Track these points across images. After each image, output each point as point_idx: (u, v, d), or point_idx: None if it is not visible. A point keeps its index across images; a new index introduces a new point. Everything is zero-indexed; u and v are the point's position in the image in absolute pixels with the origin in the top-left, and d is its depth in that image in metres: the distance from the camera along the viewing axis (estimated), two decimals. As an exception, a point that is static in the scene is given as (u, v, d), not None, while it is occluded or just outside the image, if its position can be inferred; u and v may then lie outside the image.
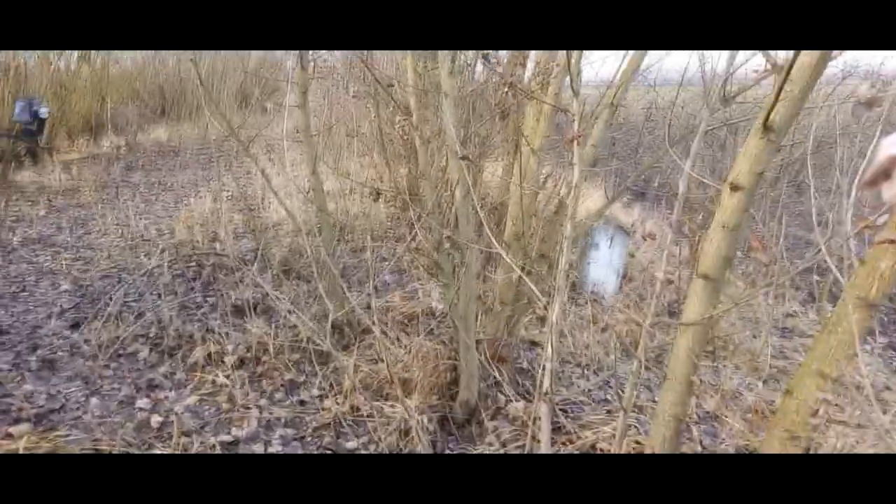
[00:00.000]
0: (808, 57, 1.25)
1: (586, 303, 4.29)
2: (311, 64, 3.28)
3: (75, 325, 3.33)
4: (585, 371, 3.41)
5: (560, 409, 2.80)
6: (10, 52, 7.38)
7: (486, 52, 2.18)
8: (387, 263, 4.70)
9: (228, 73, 11.69)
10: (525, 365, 3.27)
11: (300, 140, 3.51)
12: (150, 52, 11.70)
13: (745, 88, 2.30)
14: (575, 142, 1.46)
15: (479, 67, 4.69)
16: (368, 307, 3.74)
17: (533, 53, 3.27)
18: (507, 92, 2.56)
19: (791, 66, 1.18)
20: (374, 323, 2.13)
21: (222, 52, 10.66)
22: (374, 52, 5.20)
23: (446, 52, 1.94)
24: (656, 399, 3.18)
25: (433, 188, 2.39)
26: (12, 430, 2.35)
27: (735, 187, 1.44)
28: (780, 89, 1.23)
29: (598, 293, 4.60)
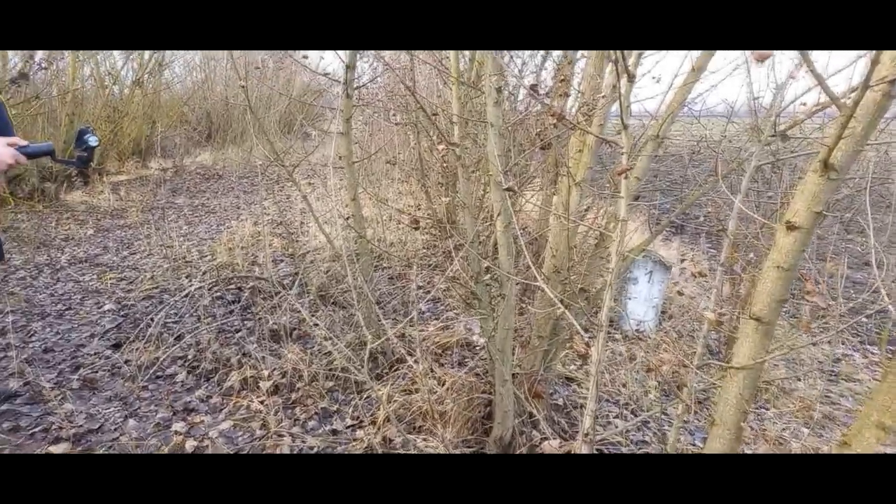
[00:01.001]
0: (873, 94, 1.20)
1: (624, 339, 4.19)
2: (356, 92, 3.33)
3: (117, 346, 3.39)
4: (623, 411, 3.31)
5: (597, 450, 2.71)
6: (70, 78, 7.73)
7: (533, 83, 2.16)
8: (422, 292, 4.69)
9: (273, 99, 12.00)
10: (561, 402, 3.19)
11: (341, 167, 3.55)
12: (200, 78, 12.13)
13: (797, 123, 2.24)
14: (623, 175, 1.42)
15: (520, 97, 4.70)
16: (403, 336, 3.72)
17: (576, 84, 3.26)
18: (554, 123, 2.54)
19: (857, 103, 1.13)
20: (413, 353, 2.10)
21: (269, 79, 10.96)
22: (418, 81, 5.26)
23: (493, 82, 1.94)
24: (696, 443, 3.05)
25: (473, 218, 2.38)
26: (52, 448, 2.38)
27: (791, 227, 1.38)
28: (844, 127, 1.18)
29: (636, 329, 4.49)
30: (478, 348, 3.66)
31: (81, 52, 8.00)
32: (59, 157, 1.91)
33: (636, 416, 3.23)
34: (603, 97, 2.29)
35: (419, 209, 6.19)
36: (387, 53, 4.84)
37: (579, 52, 3.37)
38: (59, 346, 3.38)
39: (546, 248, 2.90)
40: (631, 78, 1.49)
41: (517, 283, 2.57)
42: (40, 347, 3.34)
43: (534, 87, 2.05)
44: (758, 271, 3.03)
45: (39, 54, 7.07)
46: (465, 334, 3.74)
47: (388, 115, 6.32)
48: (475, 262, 2.42)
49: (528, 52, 3.65)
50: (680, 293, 4.82)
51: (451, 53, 2.26)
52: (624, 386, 3.49)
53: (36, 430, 2.55)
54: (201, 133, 12.23)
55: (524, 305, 3.50)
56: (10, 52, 6.94)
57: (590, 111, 2.35)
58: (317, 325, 3.49)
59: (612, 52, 1.32)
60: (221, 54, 13.02)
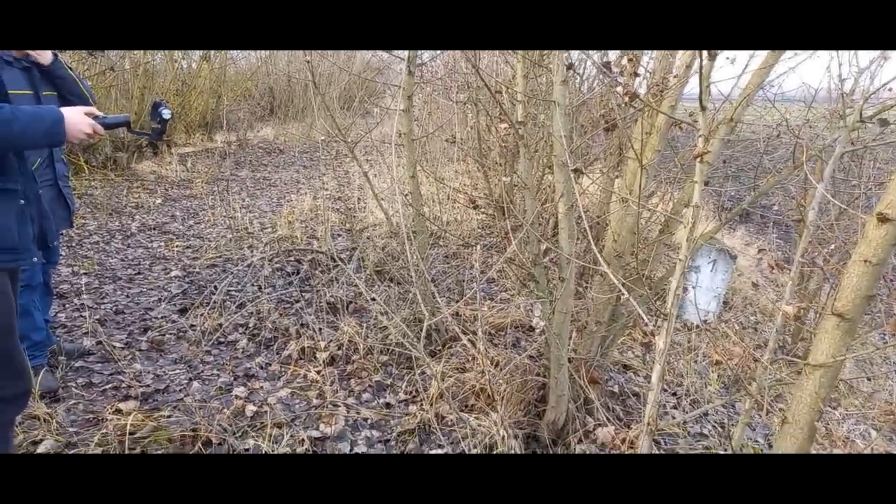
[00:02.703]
0: None
1: (685, 328, 4.07)
2: (417, 69, 3.31)
3: (182, 311, 3.52)
4: (681, 401, 3.23)
5: (653, 441, 2.65)
6: (141, 52, 8.00)
7: (606, 61, 2.09)
8: (478, 272, 4.67)
9: (335, 76, 12.12)
10: (616, 389, 3.14)
11: (401, 144, 3.56)
12: (265, 54, 12.36)
13: (886, 109, 2.09)
14: (699, 159, 1.36)
15: (583, 76, 4.57)
16: (457, 315, 3.73)
17: (645, 63, 3.14)
18: (625, 103, 2.45)
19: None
20: (467, 332, 2.09)
21: (330, 55, 11.04)
22: (480, 58, 5.19)
23: (561, 59, 1.88)
24: (758, 440, 2.95)
25: (534, 199, 2.34)
26: (121, 405, 2.51)
27: (883, 219, 1.29)
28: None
29: (697, 319, 4.35)
30: (533, 330, 3.64)
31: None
32: (134, 128, 1.97)
33: (695, 407, 3.15)
34: (675, 77, 2.20)
35: (476, 188, 6.15)
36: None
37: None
38: (129, 308, 3.55)
39: (607, 231, 2.83)
40: (712, 57, 1.41)
41: (576, 267, 2.52)
42: (112, 309, 3.50)
43: (607, 65, 1.97)
44: (839, 265, 2.88)
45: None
46: (520, 315, 3.72)
47: (448, 93, 6.28)
48: (535, 244, 2.38)
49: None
50: (755, 284, 4.64)
51: (520, 29, 2.21)
52: (682, 377, 3.41)
53: (107, 387, 2.69)
54: (264, 108, 12.49)
55: (581, 289, 3.45)
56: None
57: (660, 91, 2.26)
58: (374, 299, 3.53)
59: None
60: (285, 30, 13.20)
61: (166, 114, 1.95)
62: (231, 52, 10.77)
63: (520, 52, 2.20)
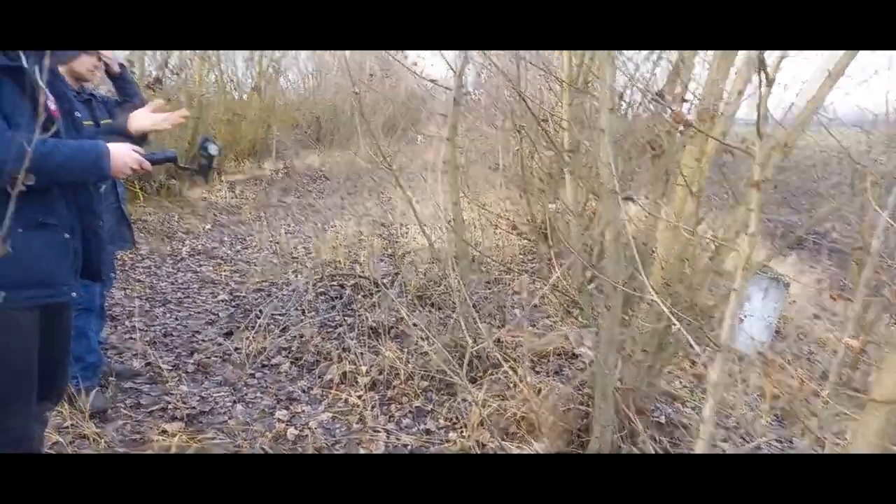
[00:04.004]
0: None
1: (737, 359, 3.93)
2: (464, 98, 3.35)
3: (228, 334, 3.59)
4: (731, 434, 3.10)
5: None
6: (196, 83, 8.33)
7: (659, 90, 2.07)
8: (518, 297, 4.63)
9: (379, 105, 12.37)
10: (663, 419, 3.03)
11: (444, 171, 3.58)
12: (312, 85, 12.73)
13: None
14: (756, 187, 1.32)
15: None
16: (498, 341, 3.69)
17: (692, 87, 3.10)
18: (678, 130, 2.41)
19: None
20: (508, 358, 2.06)
21: (376, 85, 11.31)
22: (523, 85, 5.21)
23: (608, 86, 1.87)
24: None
25: (580, 226, 2.31)
26: (167, 426, 2.55)
27: (954, 246, 1.22)
28: None
29: (748, 349, 4.20)
30: (576, 358, 3.57)
31: (208, 59, 8.61)
32: (182, 163, 1.95)
33: (746, 441, 3.02)
34: (727, 103, 2.16)
35: (518, 214, 6.13)
36: (493, 55, 4.83)
37: (697, 55, 3.21)
38: (177, 331, 3.63)
39: (654, 258, 2.77)
40: (770, 82, 1.38)
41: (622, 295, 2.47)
42: (161, 332, 3.59)
43: (660, 94, 1.95)
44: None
45: (173, 62, 7.67)
46: (564, 343, 3.65)
47: (491, 120, 6.32)
48: (580, 271, 2.35)
49: (641, 55, 3.51)
50: (817, 316, 4.47)
51: (564, 57, 2.22)
52: (732, 408, 3.27)
53: (154, 408, 2.74)
54: (311, 136, 12.79)
55: (627, 317, 3.37)
56: (147, 59, 7.58)
57: (710, 117, 2.22)
58: (415, 324, 3.53)
59: (750, 52, 1.23)
60: (333, 63, 13.60)
61: (213, 150, 1.95)
62: (281, 83, 11.14)
63: (565, 79, 2.20)
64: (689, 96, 3.06)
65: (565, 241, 4.24)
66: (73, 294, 1.67)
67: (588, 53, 3.77)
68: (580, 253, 2.29)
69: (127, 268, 4.78)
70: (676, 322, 1.61)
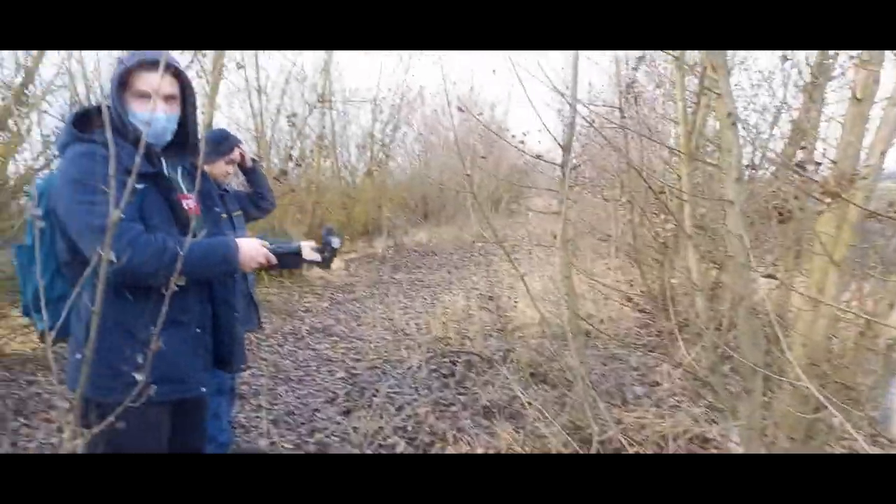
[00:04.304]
0: None
1: (892, 444, 3.45)
2: (573, 171, 3.35)
3: (346, 412, 3.65)
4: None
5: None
6: (315, 170, 8.96)
7: (800, 161, 1.96)
8: (637, 374, 4.40)
9: (484, 180, 12.68)
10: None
11: (553, 245, 3.55)
12: (420, 165, 13.34)
13: None
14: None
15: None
16: (619, 422, 3.48)
17: (819, 147, 2.91)
18: (816, 198, 2.25)
19: None
20: (640, 443, 1.93)
21: (479, 161, 11.63)
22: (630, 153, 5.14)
23: (734, 155, 1.79)
24: None
25: (708, 302, 2.17)
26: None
27: None
28: None
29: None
30: (708, 442, 3.28)
31: (326, 149, 9.28)
32: (305, 256, 1.93)
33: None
34: (866, 165, 1.99)
35: (632, 285, 5.91)
36: (598, 124, 4.82)
37: (824, 114, 3.03)
38: (298, 409, 3.75)
39: (793, 335, 2.54)
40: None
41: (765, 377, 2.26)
42: (284, 410, 3.72)
43: (801, 165, 1.85)
44: None
45: (295, 155, 8.33)
46: (692, 425, 3.38)
47: (598, 191, 6.26)
48: (711, 350, 2.19)
49: (757, 115, 3.38)
50: None
51: (682, 126, 2.17)
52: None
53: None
54: (418, 214, 13.28)
55: (766, 400, 3.08)
56: (273, 154, 8.29)
57: (849, 181, 2.05)
58: (530, 404, 3.42)
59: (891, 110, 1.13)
60: (438, 143, 14.22)
61: (336, 242, 1.96)
62: (391, 165, 11.76)
63: (682, 150, 2.14)
64: (819, 157, 2.88)
65: (687, 315, 4.01)
66: (203, 389, 1.70)
67: (700, 118, 3.68)
68: (709, 329, 2.14)
69: (253, 346, 5.06)
70: (828, 405, 1.44)
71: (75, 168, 1.48)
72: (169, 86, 1.60)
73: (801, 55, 3.40)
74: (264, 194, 3.21)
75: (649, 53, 3.87)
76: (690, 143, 2.44)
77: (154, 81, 1.52)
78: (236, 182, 4.09)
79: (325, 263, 1.98)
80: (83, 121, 1.57)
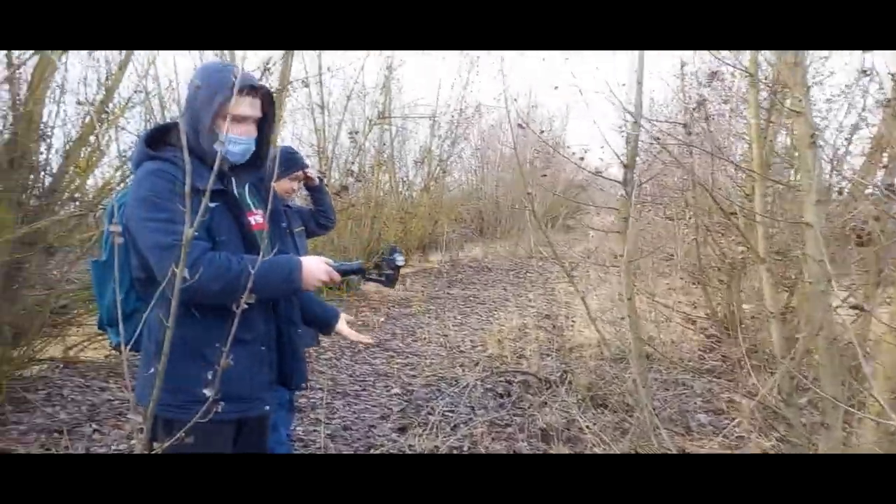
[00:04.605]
0: None
1: None
2: (635, 189, 3.27)
3: (402, 429, 3.65)
4: None
5: None
6: (373, 185, 9.10)
7: (889, 183, 1.86)
8: (700, 400, 4.23)
9: (540, 196, 12.58)
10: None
11: (615, 265, 3.48)
12: (476, 180, 13.36)
13: None
14: None
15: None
16: (683, 452, 3.35)
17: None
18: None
19: None
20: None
21: (538, 177, 11.56)
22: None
23: (814, 176, 1.71)
24: None
25: (783, 330, 2.07)
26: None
27: None
28: None
29: None
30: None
31: (384, 164, 9.43)
32: (368, 274, 1.98)
33: None
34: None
35: (695, 307, 5.72)
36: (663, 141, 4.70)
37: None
38: (355, 424, 3.77)
39: (876, 367, 2.38)
40: None
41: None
42: (340, 425, 3.75)
43: (891, 188, 1.74)
44: None
45: (355, 171, 8.50)
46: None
47: (660, 210, 6.10)
48: (785, 379, 2.08)
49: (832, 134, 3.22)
50: None
51: (755, 145, 2.08)
52: None
53: None
54: (474, 229, 13.28)
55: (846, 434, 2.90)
56: (334, 169, 8.48)
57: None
58: (589, 429, 3.33)
59: None
60: (495, 158, 14.22)
61: (400, 260, 1.96)
62: (447, 180, 11.84)
63: (756, 168, 2.05)
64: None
65: (753, 340, 3.84)
66: (266, 408, 1.70)
67: (770, 135, 3.54)
68: (784, 360, 2.03)
69: (311, 359, 5.14)
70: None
71: (146, 186, 1.51)
72: (258, 109, 1.65)
73: (882, 68, 3.23)
74: (327, 213, 3.27)
75: (721, 68, 3.75)
76: (763, 162, 2.34)
77: (245, 106, 1.59)
78: (298, 199, 4.18)
79: (388, 281, 1.98)
80: (156, 138, 1.62)
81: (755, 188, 2.09)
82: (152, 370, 1.50)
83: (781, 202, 3.67)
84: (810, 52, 2.93)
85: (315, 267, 1.68)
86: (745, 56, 3.08)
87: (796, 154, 2.97)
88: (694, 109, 3.15)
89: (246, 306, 1.34)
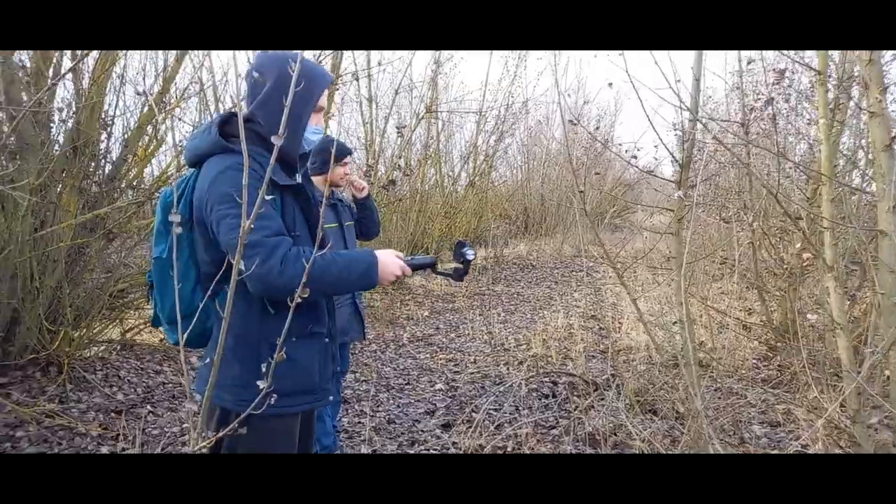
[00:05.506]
0: None
1: None
2: (692, 190, 3.17)
3: (446, 426, 3.64)
4: None
5: None
6: (419, 179, 9.12)
7: None
8: (755, 410, 4.08)
9: (587, 193, 12.38)
10: None
11: (668, 267, 3.38)
12: (522, 177, 13.24)
13: None
14: None
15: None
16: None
17: None
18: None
19: None
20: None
21: (587, 175, 11.38)
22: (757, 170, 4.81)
23: (888, 183, 1.61)
24: None
25: (849, 342, 1.96)
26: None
27: None
28: None
29: None
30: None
31: (430, 158, 9.43)
32: (439, 268, 1.93)
33: None
34: None
35: (750, 313, 5.53)
36: (722, 139, 4.56)
37: None
38: (399, 418, 3.78)
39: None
40: None
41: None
42: (385, 418, 3.77)
43: None
44: None
45: (402, 165, 8.54)
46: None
47: (715, 209, 5.91)
48: (854, 395, 1.98)
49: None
50: None
51: (824, 146, 1.97)
52: None
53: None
54: (519, 226, 13.18)
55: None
56: (381, 163, 8.52)
57: None
58: (638, 435, 3.26)
59: None
60: (541, 154, 14.07)
61: (470, 255, 1.93)
62: (493, 175, 11.76)
63: (824, 171, 1.95)
64: None
65: (812, 350, 3.68)
66: (331, 398, 1.73)
67: (839, 139, 3.37)
68: (850, 374, 1.93)
69: (356, 352, 5.19)
70: None
71: (228, 181, 1.47)
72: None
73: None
74: (370, 227, 3.29)
75: (787, 66, 3.60)
76: (832, 166, 2.22)
77: (324, 97, 1.64)
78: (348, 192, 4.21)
79: (457, 275, 1.95)
80: (225, 128, 1.59)
81: (822, 192, 1.98)
82: (236, 368, 1.53)
83: (844, 207, 3.50)
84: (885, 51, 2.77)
85: (390, 262, 1.67)
86: (807, 53, 2.94)
87: (870, 157, 2.82)
88: (753, 109, 3.02)
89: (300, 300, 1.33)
